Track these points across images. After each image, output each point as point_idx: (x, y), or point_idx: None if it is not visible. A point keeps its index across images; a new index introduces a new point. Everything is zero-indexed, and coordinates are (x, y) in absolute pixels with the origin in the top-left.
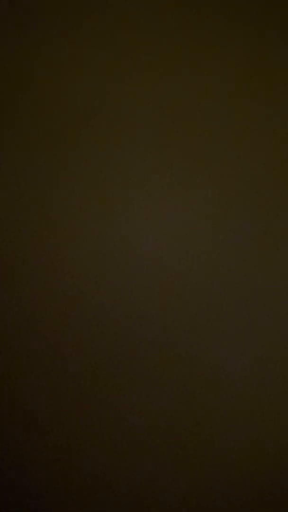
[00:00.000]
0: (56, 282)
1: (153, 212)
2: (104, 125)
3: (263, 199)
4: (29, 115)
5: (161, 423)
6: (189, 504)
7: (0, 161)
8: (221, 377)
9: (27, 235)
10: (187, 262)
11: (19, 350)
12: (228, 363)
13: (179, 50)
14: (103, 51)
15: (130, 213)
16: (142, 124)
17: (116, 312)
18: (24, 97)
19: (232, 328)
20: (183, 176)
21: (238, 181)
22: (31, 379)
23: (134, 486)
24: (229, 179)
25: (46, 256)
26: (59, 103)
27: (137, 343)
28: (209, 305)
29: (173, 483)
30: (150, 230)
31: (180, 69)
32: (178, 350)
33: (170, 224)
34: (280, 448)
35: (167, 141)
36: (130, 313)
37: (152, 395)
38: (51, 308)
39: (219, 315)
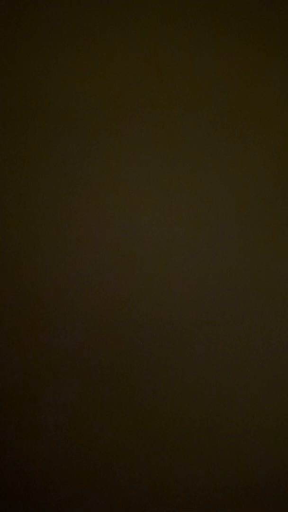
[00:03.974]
0: (63, 276)
1: (154, 207)
2: (108, 124)
3: (260, 195)
4: (36, 119)
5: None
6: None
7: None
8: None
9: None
10: (187, 256)
11: (24, 344)
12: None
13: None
14: (107, 61)
15: (132, 208)
16: (143, 124)
17: (118, 298)
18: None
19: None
20: (183, 174)
21: (239, 177)
22: (35, 376)
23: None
24: (230, 177)
25: (56, 254)
26: (63, 107)
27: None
28: (206, 297)
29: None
30: (152, 226)
31: (180, 69)
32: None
33: (171, 217)
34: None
35: (167, 141)
36: (132, 301)
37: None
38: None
39: (218, 307)
